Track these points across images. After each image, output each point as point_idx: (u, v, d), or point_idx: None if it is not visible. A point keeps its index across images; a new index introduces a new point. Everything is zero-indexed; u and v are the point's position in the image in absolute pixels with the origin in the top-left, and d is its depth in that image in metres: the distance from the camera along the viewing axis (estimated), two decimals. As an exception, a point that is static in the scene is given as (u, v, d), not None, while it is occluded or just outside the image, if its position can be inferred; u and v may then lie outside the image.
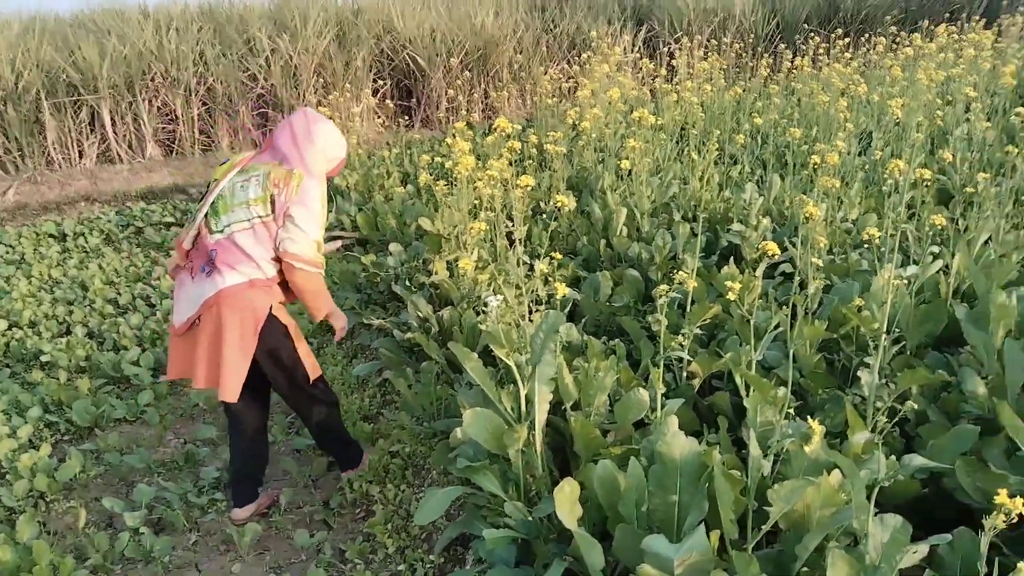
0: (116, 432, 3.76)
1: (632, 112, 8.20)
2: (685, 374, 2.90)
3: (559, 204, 2.59)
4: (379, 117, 10.26)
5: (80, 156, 9.13)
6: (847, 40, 9.20)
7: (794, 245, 3.92)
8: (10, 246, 6.94)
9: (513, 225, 2.58)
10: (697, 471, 2.02)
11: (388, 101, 10.21)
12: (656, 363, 2.34)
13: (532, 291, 2.51)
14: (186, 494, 3.16)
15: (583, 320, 3.52)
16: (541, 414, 2.37)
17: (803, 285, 2.77)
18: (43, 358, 4.48)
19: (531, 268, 2.84)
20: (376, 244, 5.93)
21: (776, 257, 2.36)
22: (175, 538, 2.91)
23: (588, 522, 2.12)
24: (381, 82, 10.75)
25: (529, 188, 2.49)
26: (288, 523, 3.03)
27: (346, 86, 9.68)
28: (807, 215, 2.67)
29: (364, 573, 2.62)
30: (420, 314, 3.76)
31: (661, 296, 2.29)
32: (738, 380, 2.40)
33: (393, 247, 4.84)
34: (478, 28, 11.30)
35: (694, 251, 3.80)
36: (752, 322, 2.55)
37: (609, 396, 2.56)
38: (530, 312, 2.53)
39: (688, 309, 2.91)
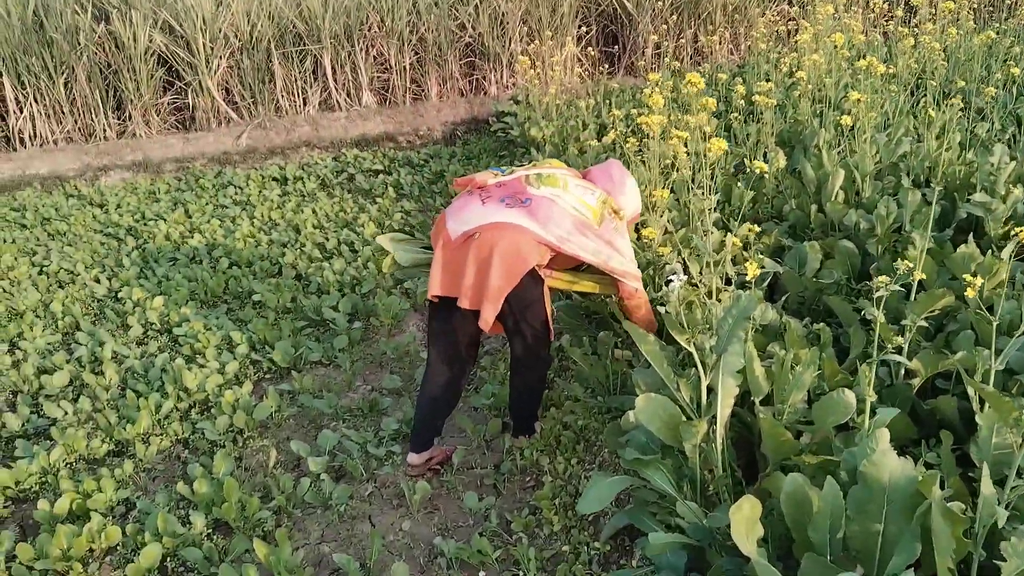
0: (311, 374, 3.96)
1: (859, 59, 7.36)
2: (903, 371, 2.49)
3: (758, 168, 2.27)
4: (582, 65, 10.01)
5: (304, 103, 9.72)
6: None
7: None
8: (239, 187, 7.57)
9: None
10: (909, 500, 1.70)
11: (591, 49, 9.92)
12: (870, 362, 2.00)
13: (722, 265, 2.24)
14: (366, 444, 3.25)
15: (784, 297, 3.16)
16: (724, 408, 2.13)
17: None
18: (255, 297, 4.82)
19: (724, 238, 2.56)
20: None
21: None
22: (352, 487, 3.00)
23: (771, 541, 1.87)
24: (586, 28, 10.45)
25: (722, 152, 2.20)
26: (459, 483, 3.02)
27: (550, 33, 9.49)
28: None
29: (528, 549, 2.54)
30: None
31: (879, 287, 1.93)
32: (971, 391, 2.01)
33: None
34: (691, -33, 10.61)
35: (925, 224, 3.29)
36: (994, 318, 2.12)
37: (808, 392, 2.25)
38: (718, 291, 2.27)
39: (913, 295, 2.48)
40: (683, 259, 2.53)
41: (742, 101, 4.92)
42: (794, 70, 5.91)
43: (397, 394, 3.75)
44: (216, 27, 8.92)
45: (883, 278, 1.91)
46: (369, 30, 9.63)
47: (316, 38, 9.39)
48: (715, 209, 2.28)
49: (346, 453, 3.20)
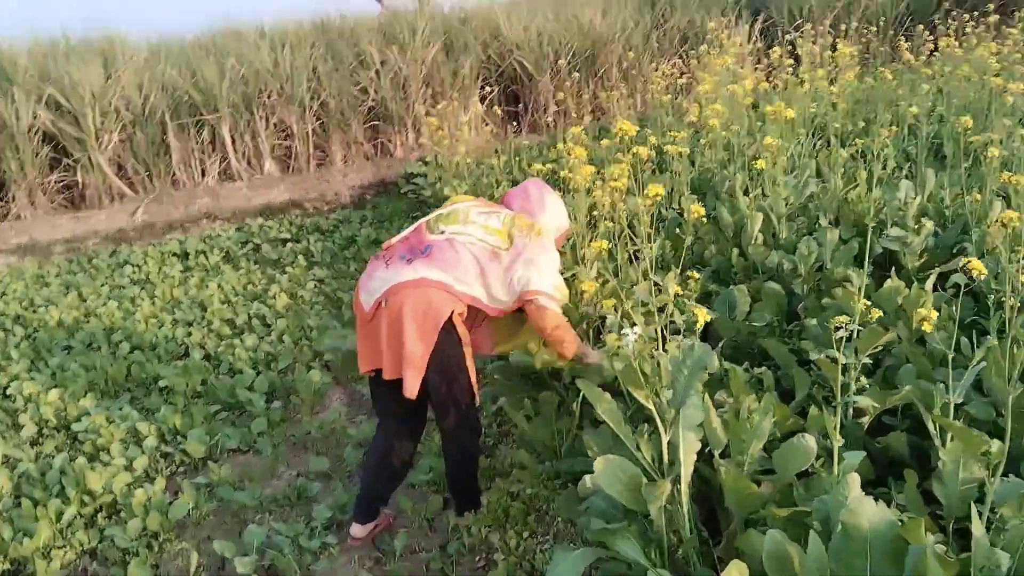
0: (230, 464, 3.67)
1: (756, 107, 7.67)
2: (851, 411, 2.47)
3: (696, 213, 2.23)
4: (487, 124, 10.09)
5: (202, 174, 9.39)
6: (996, 17, 8.28)
7: (963, 252, 3.41)
8: (137, 266, 7.17)
9: (635, 238, 2.26)
10: (891, 546, 1.63)
11: (496, 108, 10.03)
12: (832, 406, 1.94)
13: (667, 317, 2.18)
14: (298, 536, 2.99)
15: (719, 343, 3.13)
16: (687, 466, 2.03)
17: (999, 303, 2.30)
18: (161, 383, 4.48)
19: (657, 286, 2.50)
20: (487, 257, 5.69)
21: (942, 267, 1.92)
22: (286, 586, 2.74)
23: (755, 607, 1.77)
24: (488, 89, 10.59)
25: (657, 196, 2.15)
26: (403, 571, 2.80)
27: (454, 95, 9.56)
28: (1003, 219, 2.19)
29: (487, 638, 2.36)
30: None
31: (837, 328, 1.89)
32: (931, 426, 1.98)
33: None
34: (586, 28, 10.97)
35: (847, 261, 3.36)
36: (930, 348, 2.12)
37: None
38: (663, 340, 2.19)
39: (855, 335, 2.48)
40: (621, 311, 2.46)
41: (652, 152, 4.99)
42: (696, 120, 6.08)
43: (326, 477, 3.50)
44: (106, 101, 8.56)
45: (843, 318, 1.87)
46: (269, 97, 9.45)
47: (213, 107, 9.14)
48: (642, 258, 2.21)
49: (276, 549, 2.93)
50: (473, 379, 2.78)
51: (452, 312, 2.66)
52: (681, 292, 2.27)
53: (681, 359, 2.01)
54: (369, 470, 2.97)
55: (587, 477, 2.27)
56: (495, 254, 2.75)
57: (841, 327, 1.85)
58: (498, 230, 2.79)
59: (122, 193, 8.89)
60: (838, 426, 1.85)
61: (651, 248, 2.17)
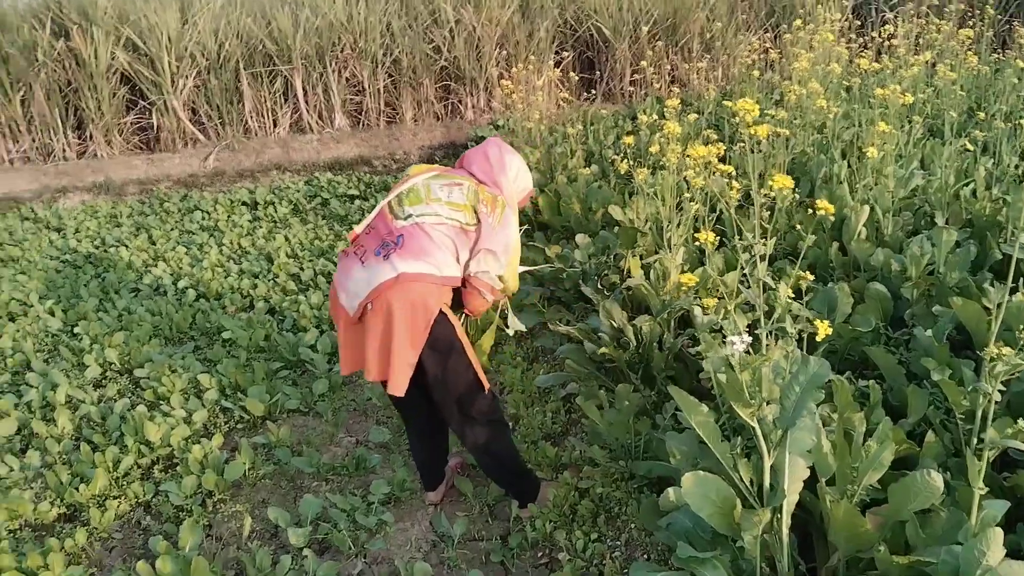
0: (288, 425, 3.59)
1: (848, 89, 7.22)
2: (975, 440, 2.22)
3: (823, 209, 1.99)
4: (562, 90, 9.80)
5: (274, 125, 9.35)
6: None
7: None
8: (207, 212, 7.16)
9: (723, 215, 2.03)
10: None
11: (571, 73, 9.72)
12: (978, 453, 1.71)
13: (773, 322, 1.96)
14: (354, 511, 2.88)
15: (817, 348, 2.89)
16: (792, 495, 1.83)
17: None
18: (224, 334, 4.43)
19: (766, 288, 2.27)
20: (559, 231, 5.50)
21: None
22: (340, 564, 2.63)
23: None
24: (564, 54, 10.28)
25: (785, 189, 1.91)
26: (462, 559, 2.67)
27: (529, 57, 9.28)
28: None
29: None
30: (614, 323, 3.27)
31: (993, 359, 1.64)
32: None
33: (580, 238, 4.37)
34: (669, -6, 10.52)
35: (963, 266, 3.06)
36: None
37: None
38: (767, 351, 1.98)
39: (988, 359, 2.21)
40: (729, 312, 2.24)
41: (748, 130, 4.70)
42: (788, 99, 5.72)
43: (386, 449, 3.39)
44: (182, 46, 8.54)
45: (1002, 349, 1.62)
46: (342, 51, 9.32)
47: (287, 58, 9.05)
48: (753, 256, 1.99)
49: (331, 523, 2.83)
50: (477, 367, 2.63)
51: (442, 304, 2.54)
52: (793, 296, 2.04)
53: (794, 374, 1.79)
54: (415, 452, 2.95)
55: (671, 490, 2.09)
56: (464, 231, 2.61)
57: (997, 359, 1.60)
58: (464, 206, 2.61)
59: (195, 138, 8.91)
60: (982, 472, 1.62)
61: (765, 245, 1.94)
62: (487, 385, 2.65)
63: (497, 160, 2.80)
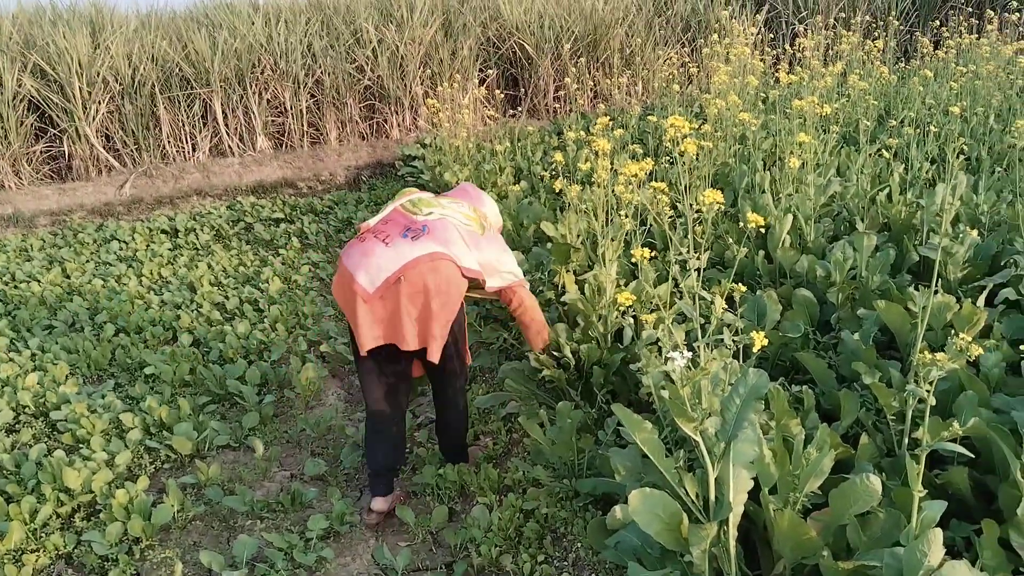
0: (218, 462, 3.44)
1: (764, 100, 7.44)
2: (906, 440, 2.27)
3: (753, 222, 2.01)
4: (488, 108, 9.82)
5: (193, 149, 9.08)
6: (1017, 15, 8.08)
7: (1015, 263, 3.21)
8: (124, 241, 6.88)
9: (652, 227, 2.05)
10: (979, 615, 1.44)
11: (496, 91, 9.76)
12: (915, 452, 1.73)
13: (711, 334, 1.97)
14: (292, 549, 2.77)
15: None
16: (737, 506, 1.83)
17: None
18: (147, 369, 4.24)
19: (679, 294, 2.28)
20: (491, 247, 5.46)
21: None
22: (279, 606, 2.52)
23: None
24: (488, 71, 10.32)
25: (715, 204, 1.93)
26: (406, 592, 2.60)
27: (454, 76, 9.28)
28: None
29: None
30: (551, 343, 3.25)
31: (925, 367, 1.67)
32: (1016, 468, 1.78)
33: (514, 255, 4.34)
34: (588, 12, 10.70)
35: (884, 269, 3.16)
36: (984, 372, 1.92)
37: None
38: (705, 363, 1.99)
39: (915, 357, 2.27)
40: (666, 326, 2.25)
41: (669, 144, 4.78)
42: (707, 109, 5.85)
43: (322, 481, 3.29)
44: (93, 71, 8.22)
45: (940, 356, 1.66)
46: (262, 73, 9.13)
47: (205, 81, 8.82)
48: (689, 269, 2.00)
49: (268, 563, 2.71)
50: (467, 346, 3.03)
51: (465, 285, 2.83)
52: (723, 306, 2.06)
53: (734, 386, 1.80)
54: (377, 446, 2.99)
55: (618, 508, 2.07)
56: (474, 235, 2.92)
57: (928, 367, 1.63)
58: (472, 217, 2.97)
59: (110, 166, 8.58)
60: (920, 474, 1.65)
61: (699, 259, 1.95)
62: (469, 358, 3.10)
63: (476, 195, 3.20)
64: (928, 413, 1.89)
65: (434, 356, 2.72)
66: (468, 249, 2.83)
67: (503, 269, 3.03)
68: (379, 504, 2.96)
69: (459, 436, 3.17)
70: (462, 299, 2.81)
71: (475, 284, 3.00)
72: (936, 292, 2.72)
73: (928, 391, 1.71)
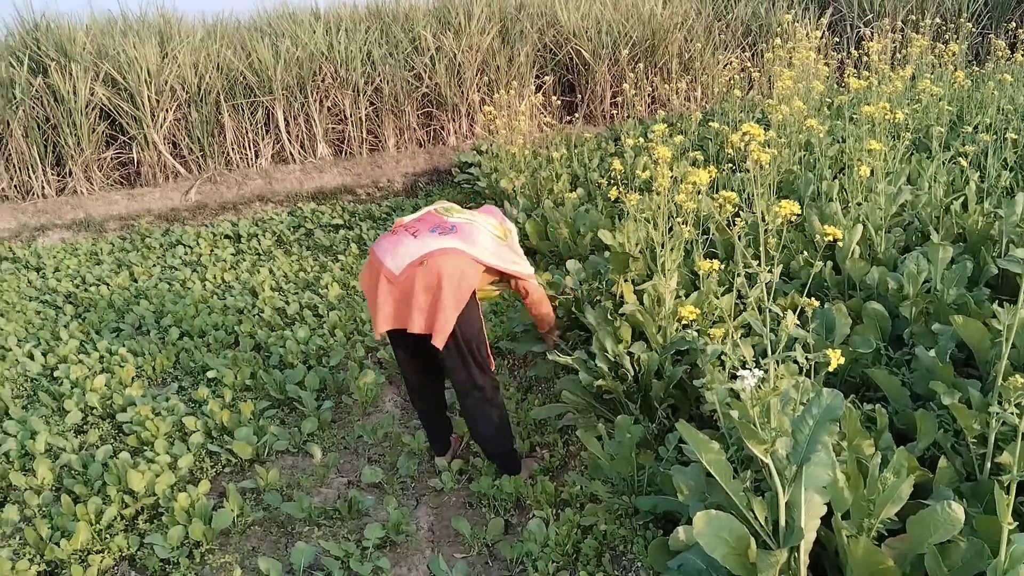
0: (277, 467, 3.48)
1: (829, 106, 7.24)
2: (988, 465, 2.16)
3: (831, 235, 1.93)
4: (544, 114, 9.80)
5: (256, 156, 9.28)
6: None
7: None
8: (189, 246, 7.06)
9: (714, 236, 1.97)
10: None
11: (553, 97, 9.73)
12: (998, 481, 1.64)
13: (780, 351, 1.89)
14: (348, 558, 2.77)
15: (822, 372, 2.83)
16: (809, 532, 1.75)
17: None
18: (209, 373, 4.32)
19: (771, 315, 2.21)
20: (547, 256, 5.43)
21: None
22: (335, 615, 2.52)
23: None
24: (545, 77, 10.30)
25: (791, 215, 1.85)
26: (462, 605, 2.57)
27: (510, 82, 9.29)
28: None
29: None
30: (609, 354, 3.20)
31: (1017, 392, 1.58)
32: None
33: (571, 264, 4.31)
34: (646, 17, 10.59)
35: (960, 282, 3.01)
36: None
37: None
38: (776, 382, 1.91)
39: (997, 378, 2.16)
40: (737, 343, 2.17)
41: (730, 150, 4.68)
42: (770, 115, 5.71)
43: (379, 489, 3.29)
44: (162, 79, 8.47)
45: (1021, 380, 1.56)
46: (323, 81, 9.29)
47: (267, 89, 9.00)
48: (758, 284, 1.93)
49: (324, 571, 2.72)
50: (488, 346, 3.07)
51: (477, 282, 3.00)
52: (795, 322, 1.98)
53: (807, 407, 1.72)
54: (423, 417, 3.37)
55: (681, 529, 2.01)
56: (499, 240, 3.17)
57: (1019, 391, 1.53)
58: (497, 227, 3.23)
59: (176, 172, 8.82)
60: (1010, 505, 1.55)
61: (771, 272, 1.88)
62: (492, 363, 3.10)
63: (499, 214, 3.42)
64: (1019, 440, 1.78)
65: (438, 342, 2.83)
66: (492, 251, 3.07)
67: (519, 263, 3.26)
68: (440, 461, 3.39)
69: (491, 438, 3.14)
70: (473, 293, 2.94)
71: (491, 283, 3.27)
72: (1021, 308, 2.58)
73: (1019, 415, 1.60)
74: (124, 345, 4.82)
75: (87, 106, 8.21)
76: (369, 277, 2.99)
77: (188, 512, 3.06)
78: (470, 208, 3.49)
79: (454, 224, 3.04)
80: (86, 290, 5.97)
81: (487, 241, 3.06)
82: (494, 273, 3.17)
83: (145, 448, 3.62)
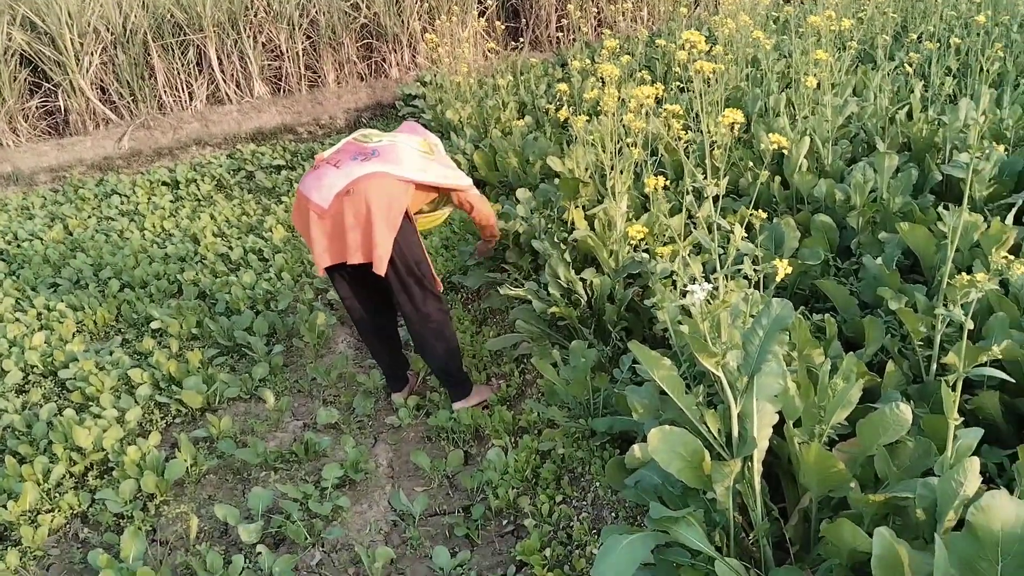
0: (230, 414, 3.41)
1: (777, 19, 7.15)
2: (934, 366, 2.18)
3: (775, 142, 1.88)
4: (488, 41, 9.53)
5: (190, 98, 8.88)
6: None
7: (1044, 179, 3.06)
8: (125, 195, 6.78)
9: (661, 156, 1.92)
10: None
11: (497, 23, 9.46)
12: (950, 377, 1.64)
13: (728, 265, 1.86)
14: (307, 499, 2.74)
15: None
16: (762, 441, 1.75)
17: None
18: (154, 324, 4.19)
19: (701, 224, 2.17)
20: (496, 187, 5.33)
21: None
22: (297, 556, 2.49)
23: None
24: (488, 2, 9.98)
25: (736, 125, 1.79)
26: (425, 537, 2.56)
27: (452, 8, 8.98)
28: None
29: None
30: (562, 281, 3.16)
31: (960, 292, 1.57)
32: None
33: (521, 193, 4.23)
34: (590, -65, 10.27)
35: (906, 190, 3.02)
36: (1014, 292, 1.82)
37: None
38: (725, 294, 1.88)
39: (943, 281, 2.16)
40: (684, 257, 2.13)
41: (679, 67, 4.59)
42: (717, 31, 5.61)
43: (335, 429, 3.25)
44: (84, 21, 7.99)
45: (980, 276, 1.55)
46: (255, 15, 8.86)
47: (198, 26, 8.57)
48: (706, 197, 1.89)
49: (284, 514, 2.68)
50: (431, 266, 3.04)
51: (407, 203, 2.93)
52: (746, 235, 1.94)
53: (756, 318, 1.70)
54: (375, 354, 3.32)
55: (636, 447, 2.00)
56: (424, 156, 3.07)
57: (962, 291, 1.52)
58: (421, 143, 3.15)
59: (107, 119, 8.41)
60: (956, 403, 1.56)
61: (718, 186, 1.83)
62: (439, 283, 3.05)
63: (423, 131, 3.35)
64: (964, 339, 1.78)
65: (379, 268, 2.79)
66: (419, 168, 2.98)
67: (451, 175, 3.16)
68: (397, 398, 3.37)
69: (442, 364, 3.13)
70: (404, 213, 2.88)
71: (430, 203, 3.25)
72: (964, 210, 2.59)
73: (967, 317, 1.60)
74: (63, 300, 4.63)
75: (5, 52, 7.73)
76: (299, 216, 2.93)
77: (139, 465, 2.98)
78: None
79: (375, 148, 2.96)
80: (19, 246, 5.71)
81: (412, 158, 2.99)
82: (429, 190, 3.10)
83: (91, 404, 3.51)
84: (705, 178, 1.87)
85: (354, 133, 3.13)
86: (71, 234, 5.90)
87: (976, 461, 1.48)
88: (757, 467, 1.77)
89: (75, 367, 3.79)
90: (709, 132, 1.83)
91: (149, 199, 6.60)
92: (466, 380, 3.22)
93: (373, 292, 3.07)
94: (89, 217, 6.26)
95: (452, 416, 3.10)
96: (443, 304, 3.08)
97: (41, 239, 5.80)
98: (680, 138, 2.13)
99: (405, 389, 3.39)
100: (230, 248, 5.23)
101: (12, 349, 4.09)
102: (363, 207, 2.78)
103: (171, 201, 6.48)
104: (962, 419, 1.64)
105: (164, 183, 7.04)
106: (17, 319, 4.44)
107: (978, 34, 4.90)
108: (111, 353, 3.95)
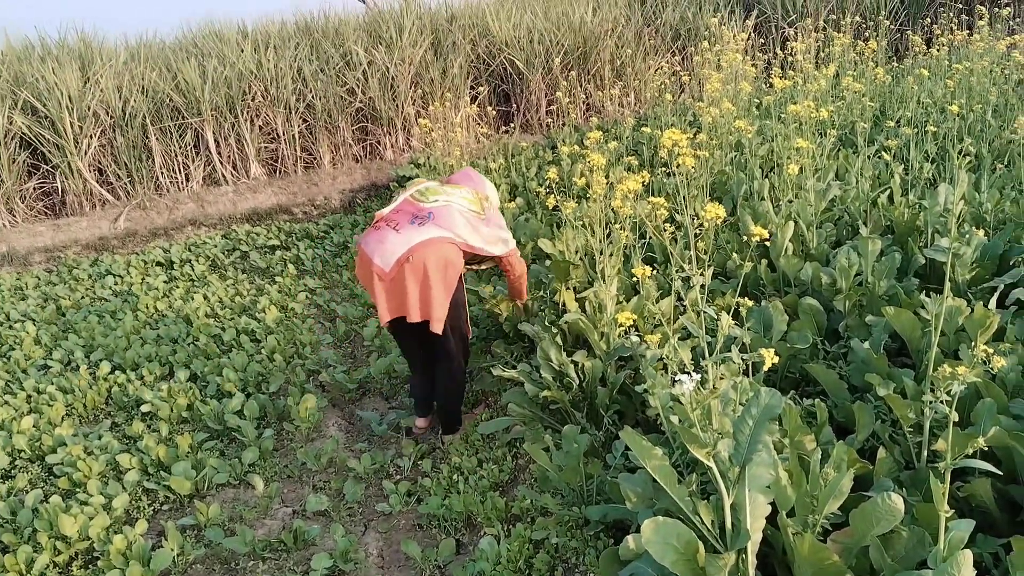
0: (218, 501, 3.36)
1: (759, 106, 7.39)
2: (925, 452, 2.19)
3: (758, 235, 1.94)
4: (480, 125, 9.79)
5: (187, 179, 9.03)
6: (1008, 10, 8.05)
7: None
8: (119, 276, 6.82)
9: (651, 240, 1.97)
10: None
11: (488, 107, 9.73)
12: (937, 467, 1.65)
13: (717, 352, 1.89)
14: (295, 591, 2.69)
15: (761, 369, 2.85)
16: (755, 533, 1.75)
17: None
18: (144, 407, 4.16)
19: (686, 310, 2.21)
20: (489, 269, 5.39)
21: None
22: (283, 652, 2.43)
23: None
24: (479, 88, 10.29)
25: (718, 218, 1.85)
26: (414, 630, 2.51)
27: (445, 94, 9.25)
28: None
29: None
30: (554, 363, 3.18)
31: (943, 385, 1.60)
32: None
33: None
34: (576, 25, 10.68)
35: (890, 274, 3.08)
36: (1001, 376, 1.85)
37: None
38: (714, 383, 1.91)
39: (929, 367, 2.20)
40: (672, 345, 2.16)
41: (665, 156, 4.72)
42: (701, 118, 5.79)
43: (326, 517, 3.20)
44: (84, 105, 8.19)
45: (961, 368, 1.58)
46: (253, 99, 9.10)
47: (195, 110, 8.78)
48: (693, 285, 1.94)
49: (272, 607, 2.63)
50: (467, 318, 3.48)
51: (462, 263, 3.29)
52: (730, 321, 1.98)
53: (746, 407, 1.72)
54: (417, 390, 3.66)
55: (631, 538, 1.99)
56: (476, 215, 3.36)
57: (944, 382, 1.55)
58: (473, 201, 3.40)
59: (103, 200, 8.53)
60: (946, 494, 1.57)
61: (703, 275, 1.88)
62: (470, 331, 3.58)
63: (478, 179, 3.66)
64: (951, 428, 1.81)
65: (436, 328, 3.16)
66: (471, 231, 3.28)
67: (503, 237, 3.48)
68: (421, 423, 3.73)
69: (452, 400, 3.52)
70: (459, 276, 3.25)
71: (476, 260, 3.66)
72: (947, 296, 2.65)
73: (949, 404, 1.63)
74: (52, 383, 4.61)
75: (6, 136, 7.89)
76: (363, 272, 3.27)
77: (125, 555, 2.92)
78: (447, 177, 3.74)
79: (431, 211, 3.24)
80: (11, 327, 5.71)
81: (463, 223, 3.26)
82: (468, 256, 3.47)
83: (77, 490, 3.46)
84: (691, 268, 1.92)
85: (410, 188, 3.40)
86: (64, 315, 5.91)
87: (969, 555, 1.48)
88: (751, 560, 1.76)
89: (63, 452, 3.75)
90: (695, 219, 1.89)
91: (143, 279, 6.64)
92: (460, 418, 3.63)
93: (423, 338, 3.36)
94: (82, 298, 6.29)
95: (444, 503, 3.04)
96: (468, 349, 3.52)
97: (33, 320, 5.80)
98: (665, 230, 2.19)
99: (430, 415, 3.72)
100: (223, 329, 5.24)
101: (0, 433, 4.05)
102: (421, 271, 3.11)
103: (165, 281, 6.52)
104: (953, 511, 1.64)
105: (159, 263, 7.09)
106: (6, 402, 4.41)
107: (954, 120, 5.08)
108: (100, 437, 3.91)
